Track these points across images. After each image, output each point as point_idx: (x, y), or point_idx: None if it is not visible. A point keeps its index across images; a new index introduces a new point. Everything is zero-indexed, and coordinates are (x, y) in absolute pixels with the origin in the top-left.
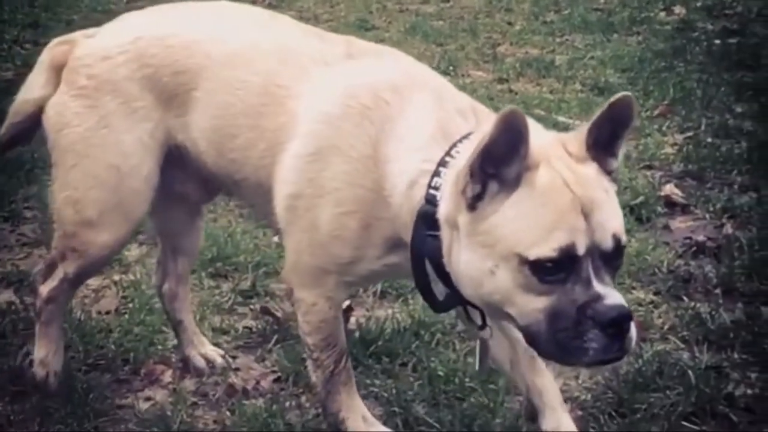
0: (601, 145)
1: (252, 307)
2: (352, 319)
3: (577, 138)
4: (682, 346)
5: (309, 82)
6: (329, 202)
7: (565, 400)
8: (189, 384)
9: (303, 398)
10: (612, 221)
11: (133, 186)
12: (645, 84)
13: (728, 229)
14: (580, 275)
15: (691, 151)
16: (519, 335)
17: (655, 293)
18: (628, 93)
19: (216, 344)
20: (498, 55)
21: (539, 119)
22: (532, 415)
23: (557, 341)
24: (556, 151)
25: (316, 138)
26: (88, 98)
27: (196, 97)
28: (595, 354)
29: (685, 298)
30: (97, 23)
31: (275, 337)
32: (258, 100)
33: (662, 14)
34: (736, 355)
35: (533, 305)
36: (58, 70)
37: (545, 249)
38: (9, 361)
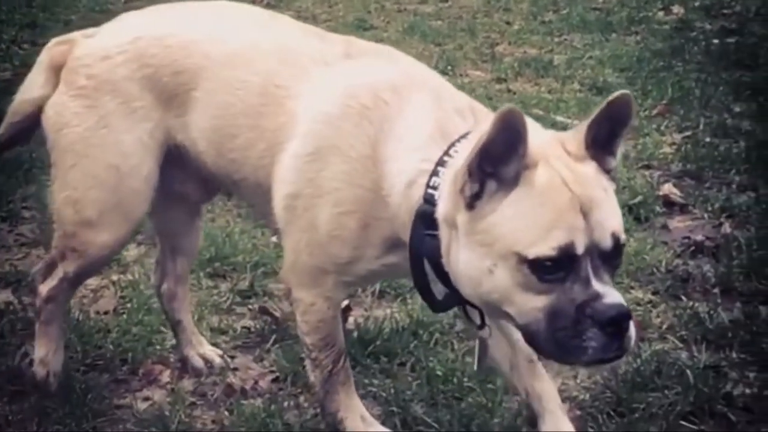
0: (600, 144)
1: (250, 307)
2: (351, 319)
3: (575, 137)
4: (681, 345)
5: (308, 82)
6: (328, 201)
7: (564, 400)
8: (187, 384)
9: (301, 398)
10: (611, 220)
11: (133, 186)
12: (643, 83)
13: (726, 228)
14: (579, 274)
15: (689, 150)
16: (519, 338)
17: (654, 293)
18: (627, 91)
19: (214, 344)
20: (496, 55)
21: (538, 119)
22: (532, 420)
23: (556, 340)
24: (554, 150)
25: (316, 138)
26: (88, 98)
27: (195, 97)
28: (594, 353)
29: (683, 297)
30: (95, 23)
31: (273, 337)
32: (257, 100)
33: (660, 14)
34: (734, 355)
35: (532, 304)
36: (56, 70)
37: (544, 248)
38: (7, 361)
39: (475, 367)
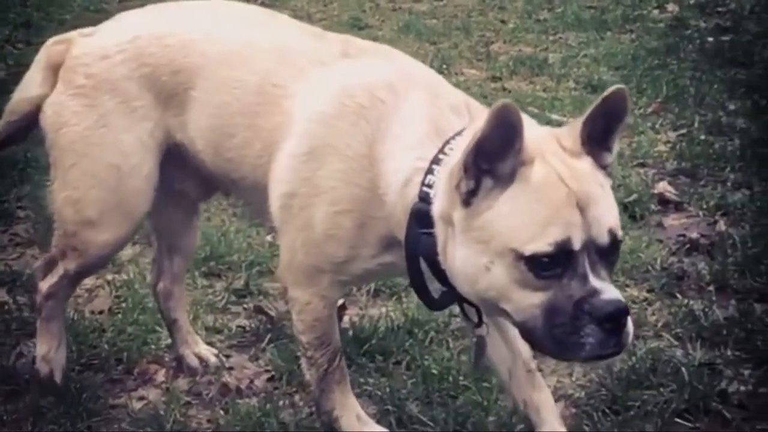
0: (596, 140)
1: (245, 306)
2: (346, 318)
3: (571, 132)
4: (676, 343)
5: (305, 82)
6: (324, 201)
7: (559, 398)
8: (182, 383)
9: (297, 397)
10: (608, 216)
11: (134, 185)
12: (638, 82)
13: (721, 226)
14: (576, 270)
15: (684, 148)
16: (519, 346)
17: (649, 290)
18: (622, 86)
19: (209, 343)
20: (491, 54)
21: (533, 117)
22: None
23: (554, 337)
24: (550, 146)
25: (312, 137)
26: (87, 97)
27: (193, 97)
28: (592, 349)
29: (678, 295)
30: (90, 23)
31: (269, 336)
32: (254, 100)
33: (655, 12)
34: (729, 352)
35: (529, 301)
36: (54, 69)
37: (541, 244)
38: (2, 361)
39: (472, 365)
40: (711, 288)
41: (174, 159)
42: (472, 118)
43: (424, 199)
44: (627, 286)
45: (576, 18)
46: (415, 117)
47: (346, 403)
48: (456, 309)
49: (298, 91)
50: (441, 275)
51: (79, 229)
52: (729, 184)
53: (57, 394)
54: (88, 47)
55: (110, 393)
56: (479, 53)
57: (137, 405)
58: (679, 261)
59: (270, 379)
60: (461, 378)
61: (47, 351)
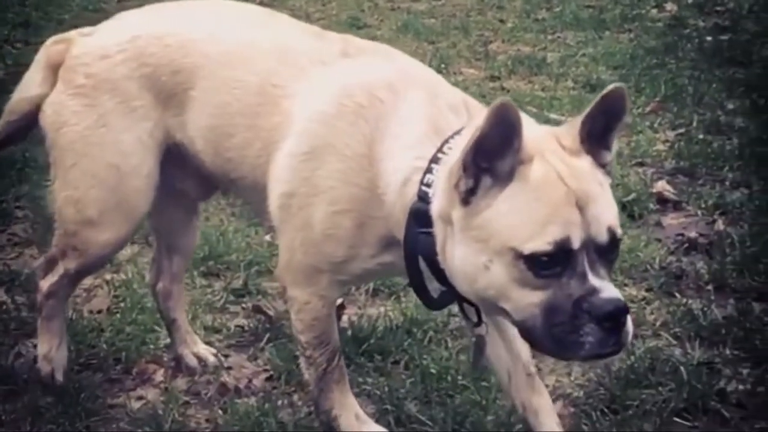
0: (595, 138)
1: (244, 305)
2: (345, 317)
3: (570, 131)
4: (674, 342)
5: (305, 82)
6: (323, 200)
7: (558, 397)
8: (181, 383)
9: (295, 397)
10: (607, 214)
11: (134, 185)
12: (637, 81)
13: (720, 225)
14: (575, 269)
15: (682, 147)
16: (520, 348)
17: (647, 290)
18: (621, 84)
19: (208, 343)
20: (490, 53)
21: (531, 116)
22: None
23: (553, 336)
24: (549, 145)
25: (311, 137)
26: (86, 97)
27: (193, 96)
28: (591, 348)
29: (677, 294)
30: (89, 22)
31: (267, 335)
32: (254, 100)
33: (654, 11)
34: (728, 351)
35: (528, 300)
36: (54, 69)
37: (540, 243)
38: (1, 361)
39: (471, 365)
40: (709, 287)
41: (174, 159)
42: (471, 117)
43: (423, 198)
44: (625, 285)
45: (574, 17)
46: (414, 116)
47: (345, 402)
48: (455, 308)
49: (299, 91)
50: (440, 275)
51: (79, 228)
52: (727, 183)
53: (58, 394)
54: (88, 47)
55: (109, 393)
56: (478, 52)
57: (136, 404)
58: (678, 260)
59: (268, 379)
60: (460, 377)
61: (48, 350)
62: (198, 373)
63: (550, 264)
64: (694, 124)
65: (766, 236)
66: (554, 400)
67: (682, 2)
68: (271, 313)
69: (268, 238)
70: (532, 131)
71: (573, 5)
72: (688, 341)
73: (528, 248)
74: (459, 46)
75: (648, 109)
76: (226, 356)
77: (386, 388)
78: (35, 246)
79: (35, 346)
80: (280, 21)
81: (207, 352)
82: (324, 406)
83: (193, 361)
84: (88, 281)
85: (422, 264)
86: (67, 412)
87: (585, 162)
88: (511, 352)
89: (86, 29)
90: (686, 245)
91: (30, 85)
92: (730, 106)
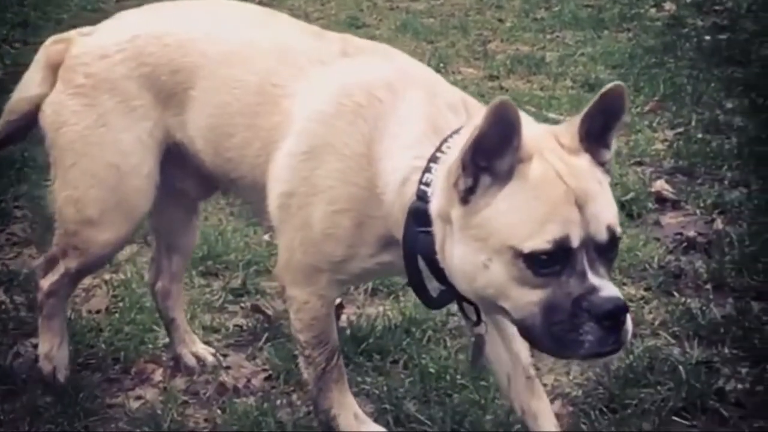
0: (594, 137)
1: (243, 305)
2: (343, 317)
3: (569, 129)
4: (673, 341)
5: (305, 81)
6: (322, 200)
7: (556, 396)
8: (180, 382)
9: (294, 396)
10: (606, 213)
11: (134, 184)
12: (635, 80)
13: (718, 224)
14: (574, 268)
15: (681, 146)
16: (520, 351)
17: (646, 289)
18: (620, 83)
19: (207, 342)
20: (488, 52)
21: (530, 116)
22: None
23: (552, 334)
24: (548, 143)
25: (310, 136)
26: (86, 96)
27: (193, 96)
28: (591, 346)
29: (675, 293)
30: (87, 22)
31: (266, 335)
32: (254, 99)
33: (652, 10)
34: (726, 350)
35: (528, 298)
36: (54, 69)
37: (539, 241)
38: None
39: (470, 364)
40: (708, 286)
41: (174, 158)
42: (470, 116)
43: (422, 197)
44: (624, 284)
45: (573, 17)
46: (413, 116)
47: (344, 401)
48: (453, 308)
49: (298, 91)
50: (439, 274)
51: (80, 228)
52: (726, 182)
53: (58, 393)
54: (88, 46)
55: (107, 392)
56: (476, 52)
57: (134, 404)
58: (677, 259)
59: (267, 378)
60: (458, 377)
61: (49, 349)
62: (197, 372)
63: (550, 262)
64: (693, 123)
65: (764, 235)
66: (553, 400)
67: (680, 1)
68: (269, 312)
69: (266, 237)
70: (531, 130)
71: (572, 4)
72: (686, 340)
73: (527, 247)
74: (458, 46)
75: (647, 108)
76: (224, 356)
77: (385, 388)
78: (34, 246)
79: (34, 346)
80: (280, 20)
81: (205, 352)
82: (323, 405)
83: (191, 361)
84: (86, 281)
85: (421, 263)
86: (66, 411)
87: (584, 160)
88: (510, 355)
89: (86, 29)
90: (685, 244)
91: (29, 84)
92: (729, 105)
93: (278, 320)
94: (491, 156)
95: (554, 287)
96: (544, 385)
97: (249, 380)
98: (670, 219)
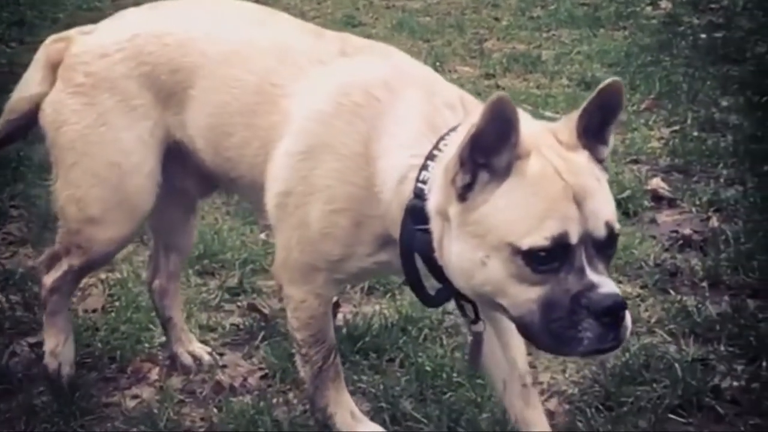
0: (592, 133)
1: (239, 304)
2: (340, 315)
3: (567, 126)
4: (669, 339)
5: (304, 81)
6: (320, 199)
7: (552, 394)
8: (176, 381)
9: (290, 395)
10: (604, 209)
11: (136, 183)
12: (631, 78)
13: (714, 222)
14: (573, 264)
15: (677, 144)
16: (517, 357)
17: (642, 287)
18: (617, 78)
19: (203, 341)
20: (485, 51)
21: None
22: None
23: (551, 331)
24: (546, 140)
25: (308, 136)
26: (86, 96)
27: (192, 95)
28: (589, 343)
29: (671, 291)
30: (83, 21)
31: (262, 334)
32: (253, 99)
33: (648, 9)
34: (722, 348)
35: (526, 295)
36: (54, 68)
37: (537, 238)
38: None
39: (468, 363)
40: (704, 284)
41: (174, 157)
42: (467, 114)
43: (419, 195)
44: (620, 282)
45: (569, 15)
46: (411, 115)
47: (341, 400)
48: (450, 306)
49: (297, 90)
50: (437, 271)
51: (82, 227)
52: (722, 180)
53: (59, 391)
54: (88, 45)
55: (103, 391)
56: (473, 50)
57: (131, 403)
58: (672, 257)
59: (263, 377)
60: (455, 375)
61: (55, 346)
62: (193, 371)
63: (548, 259)
64: (689, 121)
65: (760, 233)
66: (549, 398)
67: (676, 0)
68: (266, 311)
69: (263, 236)
70: (528, 126)
71: (568, 3)
72: (682, 338)
73: (525, 243)
74: (454, 44)
75: (643, 106)
76: (221, 355)
77: (381, 386)
78: (30, 245)
79: (30, 345)
80: (279, 20)
81: (202, 351)
82: (319, 404)
83: (188, 360)
84: (83, 280)
85: (419, 261)
86: (62, 411)
87: (582, 157)
88: (507, 361)
89: (86, 27)
90: (681, 242)
91: (29, 83)
92: (725, 104)
93: (275, 319)
94: (489, 152)
95: (553, 284)
96: (540, 383)
97: (245, 379)
98: (666, 217)
